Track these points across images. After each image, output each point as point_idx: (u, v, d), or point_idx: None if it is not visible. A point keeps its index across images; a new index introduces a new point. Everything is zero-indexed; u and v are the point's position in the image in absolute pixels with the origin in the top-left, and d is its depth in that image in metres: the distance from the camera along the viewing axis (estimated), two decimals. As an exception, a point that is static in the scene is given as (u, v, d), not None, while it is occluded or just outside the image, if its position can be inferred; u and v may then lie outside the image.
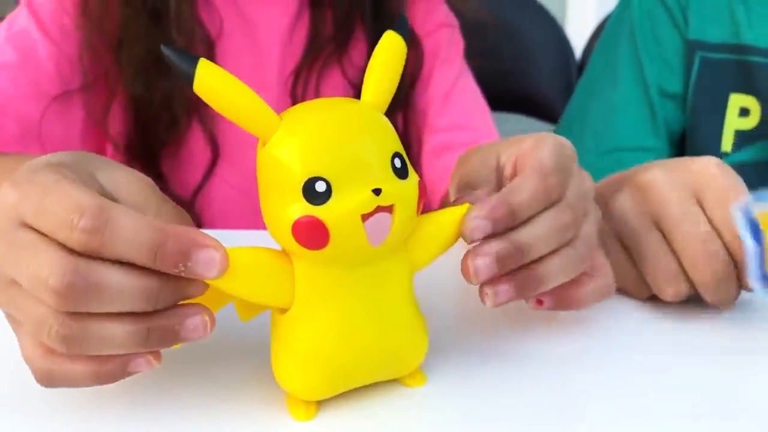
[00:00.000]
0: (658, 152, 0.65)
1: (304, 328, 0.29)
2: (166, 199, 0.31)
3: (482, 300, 0.32)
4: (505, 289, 0.31)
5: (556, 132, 0.57)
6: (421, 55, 0.63)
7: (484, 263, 0.30)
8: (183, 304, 0.28)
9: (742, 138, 0.60)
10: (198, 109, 0.58)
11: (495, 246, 0.31)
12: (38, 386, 0.29)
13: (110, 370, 0.28)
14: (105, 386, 0.29)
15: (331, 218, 0.26)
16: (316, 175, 0.27)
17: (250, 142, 0.30)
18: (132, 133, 0.59)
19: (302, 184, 0.27)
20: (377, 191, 0.27)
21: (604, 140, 0.65)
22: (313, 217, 0.26)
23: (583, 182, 0.34)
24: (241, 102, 0.28)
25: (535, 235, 0.31)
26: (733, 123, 0.61)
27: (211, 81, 0.27)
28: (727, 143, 0.61)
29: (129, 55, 0.56)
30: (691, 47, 0.62)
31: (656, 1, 0.64)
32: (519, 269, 0.31)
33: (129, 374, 0.29)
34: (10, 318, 0.30)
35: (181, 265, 0.26)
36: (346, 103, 0.30)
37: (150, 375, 0.32)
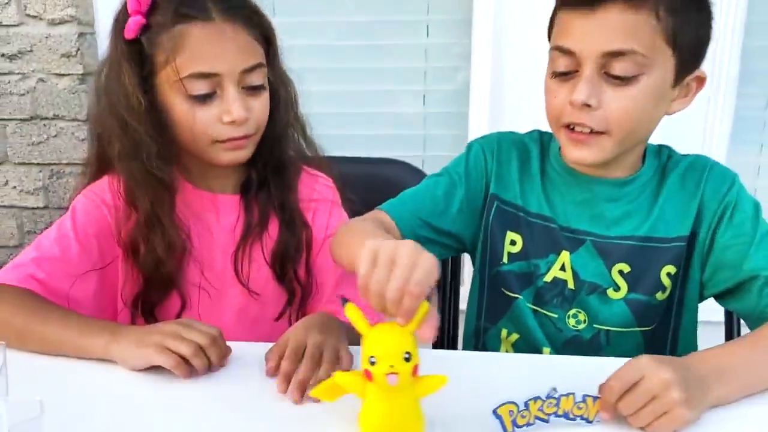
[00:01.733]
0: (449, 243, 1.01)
1: (368, 408, 0.66)
2: None
3: None
4: None
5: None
6: (311, 235, 1.01)
7: None
8: None
9: (510, 257, 0.98)
10: (179, 287, 0.96)
11: None
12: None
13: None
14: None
15: (375, 372, 0.62)
16: (372, 355, 0.61)
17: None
18: (137, 299, 0.96)
19: (368, 358, 0.62)
20: (392, 366, 0.61)
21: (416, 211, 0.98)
22: (368, 371, 0.62)
23: None
24: (358, 318, 0.63)
25: None
26: (507, 247, 0.98)
27: (349, 312, 0.63)
28: (504, 258, 0.98)
29: (136, 255, 0.94)
30: (491, 199, 0.99)
31: (480, 159, 1.00)
32: None
33: None
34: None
35: None
36: (399, 331, 0.62)
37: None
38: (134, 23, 0.87)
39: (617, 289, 0.93)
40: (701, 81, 0.87)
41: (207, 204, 0.99)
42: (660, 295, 0.93)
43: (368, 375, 0.61)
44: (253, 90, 0.92)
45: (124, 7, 0.89)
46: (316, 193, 1.03)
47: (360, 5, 1.64)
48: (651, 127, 0.88)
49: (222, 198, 0.99)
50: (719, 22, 1.51)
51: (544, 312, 0.96)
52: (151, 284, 0.94)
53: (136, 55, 0.88)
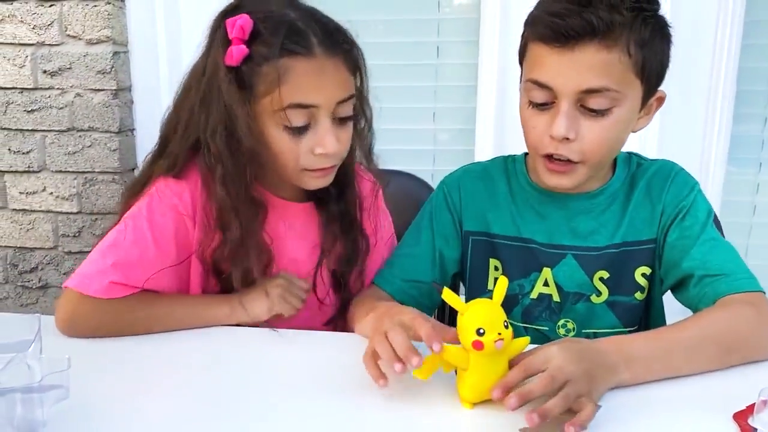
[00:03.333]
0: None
1: (473, 376, 0.74)
2: None
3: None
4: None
5: None
6: (368, 245, 1.07)
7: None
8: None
9: (495, 282, 0.96)
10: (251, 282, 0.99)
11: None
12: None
13: None
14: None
15: (485, 341, 0.70)
16: (480, 327, 0.71)
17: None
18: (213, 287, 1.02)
19: (476, 330, 0.71)
20: (499, 334, 0.70)
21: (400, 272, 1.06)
22: (479, 341, 0.70)
23: None
24: (454, 299, 0.73)
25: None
26: (492, 273, 1.04)
27: (446, 295, 0.73)
28: (490, 284, 1.03)
29: (220, 273, 0.99)
30: (465, 236, 1.05)
31: (444, 207, 1.06)
32: None
33: None
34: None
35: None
36: (492, 304, 0.73)
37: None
38: (238, 52, 0.87)
39: (599, 294, 0.99)
40: (661, 100, 0.94)
41: (282, 211, 1.01)
42: (639, 295, 0.99)
43: (479, 345, 0.70)
44: (343, 121, 0.93)
45: (224, 31, 0.89)
46: (366, 199, 1.07)
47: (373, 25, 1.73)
48: (620, 148, 0.95)
49: (295, 206, 1.03)
50: (716, 43, 1.56)
51: (535, 327, 1.01)
52: (229, 289, 0.98)
53: (235, 82, 0.88)
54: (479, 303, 0.73)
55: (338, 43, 0.91)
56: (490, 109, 1.68)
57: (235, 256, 0.94)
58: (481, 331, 0.70)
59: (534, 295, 1.01)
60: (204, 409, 0.75)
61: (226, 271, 0.97)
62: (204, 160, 0.93)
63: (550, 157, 0.91)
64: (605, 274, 0.98)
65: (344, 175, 1.02)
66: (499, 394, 0.69)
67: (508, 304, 0.95)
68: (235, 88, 0.88)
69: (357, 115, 0.98)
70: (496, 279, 1.01)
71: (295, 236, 1.04)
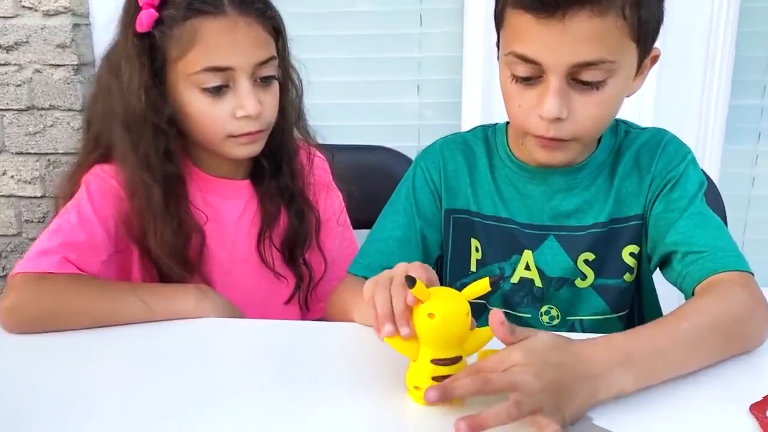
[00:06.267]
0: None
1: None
2: None
3: None
4: None
5: None
6: (319, 218, 1.05)
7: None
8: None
9: (477, 264, 0.95)
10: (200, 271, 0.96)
11: None
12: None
13: None
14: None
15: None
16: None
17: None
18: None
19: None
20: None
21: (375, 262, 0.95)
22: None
23: None
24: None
25: None
26: (473, 255, 0.95)
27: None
28: (473, 266, 0.96)
29: (156, 241, 0.92)
30: (446, 214, 0.96)
31: (423, 184, 0.97)
32: None
33: None
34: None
35: None
36: (455, 294, 0.65)
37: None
38: (147, 16, 0.87)
39: (584, 278, 0.91)
40: (655, 59, 0.85)
41: (218, 189, 1.00)
42: (628, 277, 0.91)
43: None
44: (265, 83, 0.92)
45: (135, 0, 0.88)
46: (315, 176, 1.06)
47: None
48: (614, 118, 0.86)
49: (232, 183, 1.01)
50: (712, 29, 1.50)
51: (516, 314, 0.94)
52: (167, 274, 0.93)
53: (147, 49, 0.88)
54: (443, 292, 0.65)
55: (251, 2, 0.90)
56: (477, 81, 1.60)
57: (155, 227, 0.90)
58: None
59: (515, 279, 0.93)
60: (172, 406, 0.67)
61: (160, 256, 0.91)
62: (123, 136, 0.91)
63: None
64: (590, 256, 0.90)
65: (279, 147, 1.00)
66: (431, 394, 0.59)
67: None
68: (141, 57, 0.88)
69: (285, 82, 0.98)
70: (477, 261, 0.94)
71: (233, 215, 1.01)
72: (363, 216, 1.08)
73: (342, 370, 0.73)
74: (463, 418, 0.55)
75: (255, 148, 0.95)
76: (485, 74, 1.59)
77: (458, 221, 0.96)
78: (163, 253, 0.91)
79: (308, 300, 1.06)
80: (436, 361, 0.64)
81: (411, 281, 0.62)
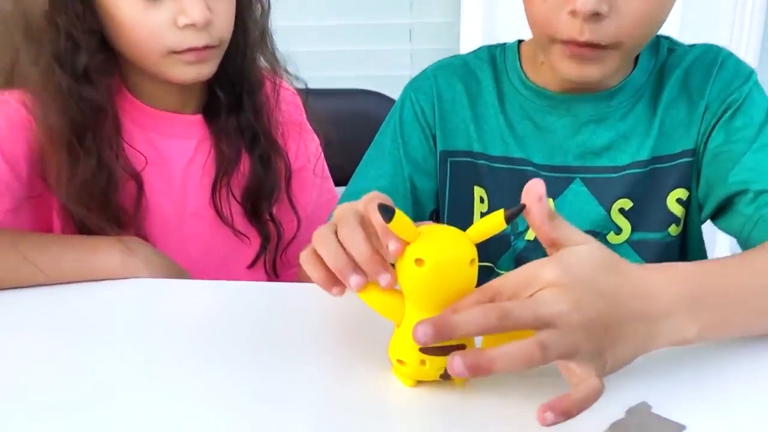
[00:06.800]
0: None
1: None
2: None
3: None
4: None
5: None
6: (289, 167, 0.90)
7: None
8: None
9: (482, 217, 0.76)
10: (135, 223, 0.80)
11: None
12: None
13: None
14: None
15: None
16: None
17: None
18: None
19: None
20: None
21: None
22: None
23: None
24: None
25: None
26: (477, 207, 0.80)
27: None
28: (475, 221, 0.76)
29: (68, 187, 0.75)
30: (442, 157, 0.81)
31: (412, 120, 0.81)
32: None
33: None
34: None
35: None
36: (455, 233, 0.47)
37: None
38: None
39: (619, 231, 0.76)
40: None
41: (162, 125, 0.84)
42: (674, 230, 0.76)
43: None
44: None
45: None
46: (284, 113, 0.91)
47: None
48: (662, 25, 0.71)
49: (179, 118, 0.85)
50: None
51: None
52: (90, 229, 0.78)
53: None
54: (438, 231, 0.47)
55: None
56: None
57: (70, 179, 0.75)
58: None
59: (530, 236, 0.78)
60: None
61: (72, 205, 0.76)
62: (23, 46, 0.75)
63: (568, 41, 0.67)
64: (627, 204, 0.75)
65: (239, 73, 0.84)
66: (420, 331, 0.41)
67: (496, 249, 0.79)
68: None
69: None
70: (482, 214, 0.79)
71: (181, 158, 0.85)
72: (343, 171, 0.91)
73: (310, 342, 0.57)
74: (461, 353, 0.40)
75: (203, 70, 0.79)
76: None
77: (457, 166, 0.81)
78: (77, 201, 0.75)
79: (277, 264, 0.91)
80: None
81: (388, 212, 0.44)
